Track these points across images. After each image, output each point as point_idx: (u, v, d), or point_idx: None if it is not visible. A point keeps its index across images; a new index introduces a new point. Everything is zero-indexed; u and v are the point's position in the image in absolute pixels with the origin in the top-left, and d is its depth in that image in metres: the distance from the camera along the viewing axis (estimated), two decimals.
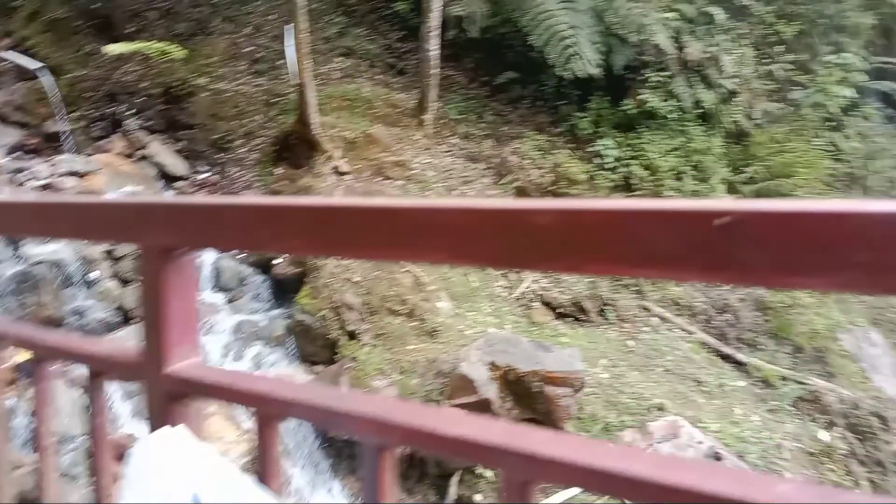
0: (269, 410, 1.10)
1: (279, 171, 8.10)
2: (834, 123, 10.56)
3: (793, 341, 7.71)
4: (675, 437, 6.41)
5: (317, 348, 6.84)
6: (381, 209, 0.89)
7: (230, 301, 7.17)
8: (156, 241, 1.14)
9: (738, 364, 7.63)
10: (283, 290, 7.20)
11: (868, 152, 10.64)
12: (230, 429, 6.08)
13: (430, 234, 0.84)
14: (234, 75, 9.58)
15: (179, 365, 1.17)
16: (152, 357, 1.17)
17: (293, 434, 6.24)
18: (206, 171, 8.54)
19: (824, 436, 6.89)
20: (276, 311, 7.22)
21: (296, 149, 8.01)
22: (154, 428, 1.16)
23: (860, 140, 10.72)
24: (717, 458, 6.16)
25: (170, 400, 1.18)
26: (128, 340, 5.47)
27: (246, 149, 8.75)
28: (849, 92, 10.36)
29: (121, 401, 5.99)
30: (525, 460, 0.84)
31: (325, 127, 8.15)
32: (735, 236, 0.64)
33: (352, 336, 6.77)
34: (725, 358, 7.70)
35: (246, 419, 6.22)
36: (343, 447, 6.43)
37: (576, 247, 0.74)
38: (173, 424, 1.13)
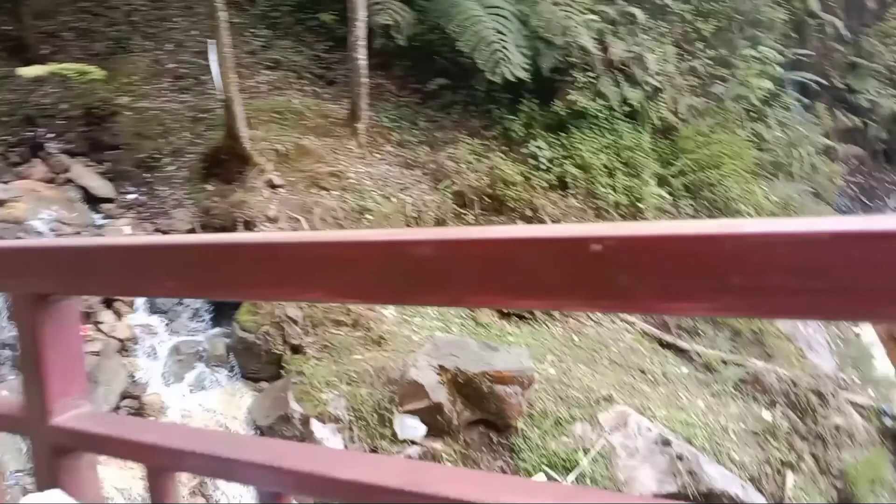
0: (160, 462, 1.03)
1: (210, 187, 7.91)
2: (756, 115, 10.96)
3: (731, 326, 7.92)
4: (624, 427, 6.49)
5: (261, 365, 6.68)
6: (256, 245, 0.84)
7: (167, 323, 6.94)
8: (27, 287, 1.06)
9: (681, 351, 7.79)
10: (222, 308, 7.01)
11: (790, 140, 11.07)
12: None
13: (310, 270, 0.79)
14: (158, 93, 9.34)
15: (65, 416, 1.09)
16: (33, 409, 1.10)
17: None
18: (134, 192, 8.27)
19: (767, 415, 7.09)
20: (216, 330, 7.03)
21: (226, 164, 7.84)
22: (41, 484, 1.09)
23: (782, 129, 11.15)
24: (666, 443, 6.26)
25: (56, 454, 1.09)
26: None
27: (174, 167, 8.52)
28: (768, 84, 10.77)
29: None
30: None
31: (255, 140, 8.01)
32: (612, 263, 0.62)
33: (296, 350, 6.64)
34: (668, 346, 7.86)
35: None
36: None
37: (457, 278, 0.71)
38: (60, 480, 1.06)
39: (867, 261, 0.52)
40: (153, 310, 6.96)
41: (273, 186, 7.67)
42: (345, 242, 0.78)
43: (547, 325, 7.90)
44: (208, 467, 1.03)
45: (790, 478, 6.68)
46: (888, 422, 7.62)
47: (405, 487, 0.80)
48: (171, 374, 6.56)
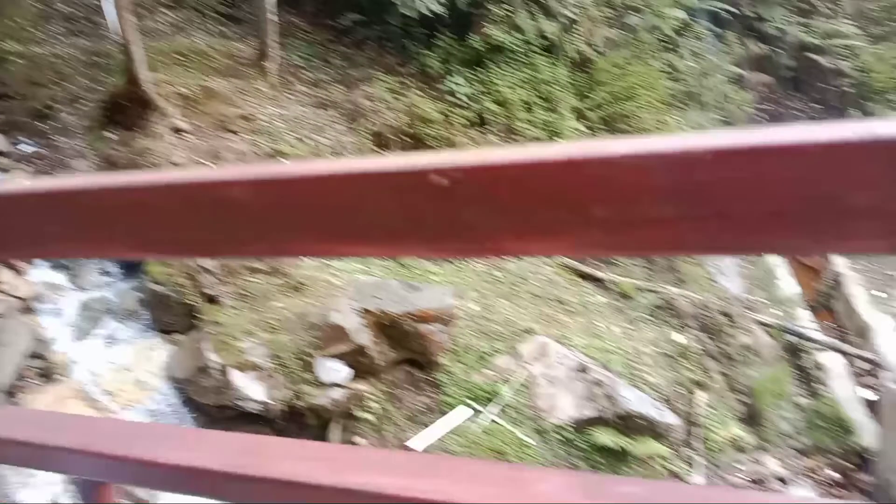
0: None
1: (112, 135, 7.53)
2: (669, 45, 11.05)
3: None
4: (544, 357, 6.67)
5: (174, 317, 6.52)
6: (45, 194, 0.72)
7: (72, 278, 6.67)
8: None
9: (598, 281, 7.99)
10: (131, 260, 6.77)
11: (702, 70, 11.25)
12: (88, 412, 5.74)
13: (106, 221, 0.69)
14: (50, 38, 8.75)
15: None
16: None
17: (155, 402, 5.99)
18: (30, 144, 7.80)
19: (679, 338, 7.39)
20: (126, 284, 6.80)
21: (128, 110, 7.46)
22: None
23: (694, 59, 11.31)
24: (584, 370, 6.47)
25: None
26: None
27: (73, 115, 8.06)
28: (681, 14, 10.85)
29: None
30: (267, 487, 0.75)
31: (157, 84, 7.63)
32: (458, 198, 0.54)
33: (211, 300, 6.50)
34: (585, 277, 8.04)
35: (107, 399, 5.89)
36: (216, 411, 6.24)
37: (279, 224, 0.63)
38: None
39: (754, 181, 0.47)
40: (56, 265, 6.67)
41: (178, 131, 7.36)
42: (141, 187, 0.67)
43: (469, 263, 7.96)
44: (14, 455, 0.94)
45: (701, 396, 7.03)
46: (791, 338, 8.06)
47: (236, 470, 0.74)
48: (79, 330, 6.34)
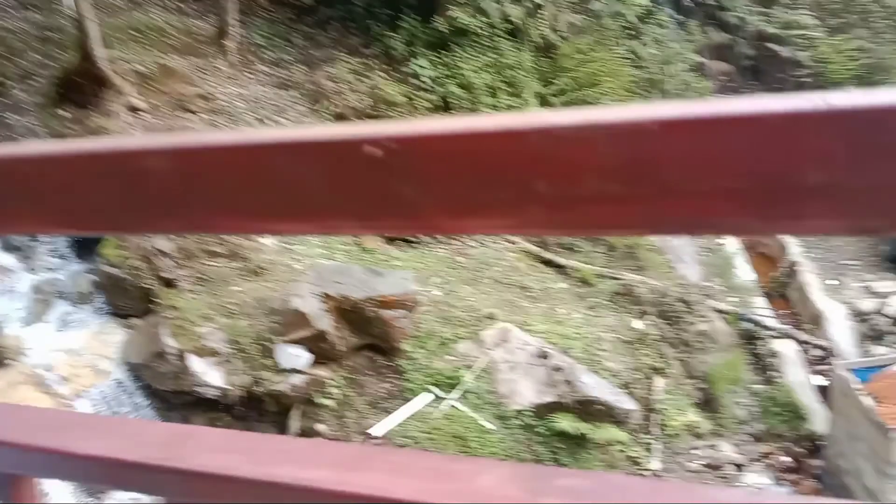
0: None
1: (65, 113, 7.28)
2: (633, 32, 11.10)
3: (606, 241, 8.20)
4: (505, 343, 6.69)
5: (130, 301, 6.38)
6: None
7: (23, 260, 6.46)
8: None
9: (559, 268, 8.04)
10: (85, 242, 6.57)
11: (664, 58, 11.32)
12: (41, 397, 5.59)
13: (11, 193, 0.63)
14: (0, 11, 8.40)
15: None
16: None
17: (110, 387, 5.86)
18: None
19: (638, 324, 7.48)
20: (79, 266, 6.62)
21: (82, 87, 7.22)
22: None
23: (657, 47, 11.38)
24: (545, 356, 6.52)
25: None
26: None
27: (25, 92, 7.78)
28: (644, 0, 10.90)
29: None
30: (184, 480, 0.70)
31: (112, 61, 7.39)
32: (393, 171, 0.50)
33: (169, 284, 6.37)
34: (547, 263, 8.08)
35: (59, 384, 5.74)
36: (172, 397, 6.13)
37: (198, 198, 0.57)
38: None
39: (704, 155, 0.43)
40: (6, 247, 6.45)
41: (135, 110, 7.16)
42: (45, 156, 0.62)
43: (432, 249, 7.93)
44: None
45: (659, 382, 7.14)
46: (746, 325, 8.23)
47: (155, 461, 0.69)
48: (31, 314, 6.17)
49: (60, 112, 7.35)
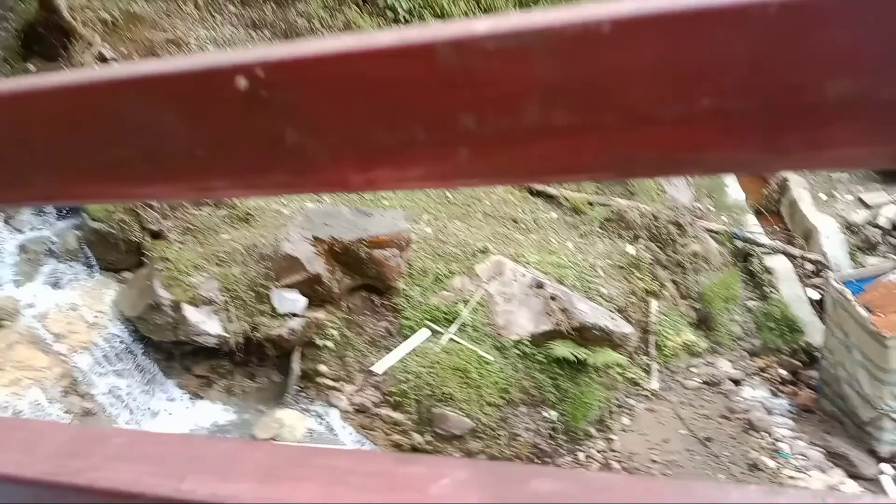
0: None
1: (31, 66, 7.05)
2: None
3: None
4: (500, 275, 6.68)
5: (119, 255, 6.30)
6: None
7: (6, 220, 6.35)
8: None
9: (549, 197, 7.98)
10: None
11: None
12: (39, 356, 5.56)
13: None
14: None
15: None
16: None
17: (107, 342, 5.83)
18: None
19: (631, 249, 7.47)
20: (64, 223, 6.51)
21: (47, 39, 6.97)
22: None
23: None
24: (540, 286, 6.51)
25: None
26: None
27: None
28: None
29: None
30: (81, 500, 0.58)
31: (75, 10, 7.11)
32: (279, 111, 0.38)
33: (156, 235, 6.28)
34: (537, 194, 8.02)
35: (56, 341, 5.70)
36: (172, 348, 6.12)
37: (34, 160, 0.45)
38: None
39: (681, 64, 0.32)
40: None
41: (104, 60, 6.92)
42: None
43: None
44: None
45: (654, 304, 7.18)
46: (739, 244, 8.24)
47: (55, 478, 0.57)
48: (21, 274, 6.09)
49: (28, 66, 7.12)
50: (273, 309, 6.09)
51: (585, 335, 6.33)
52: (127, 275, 6.32)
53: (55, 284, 6.13)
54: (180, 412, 5.96)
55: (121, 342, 5.89)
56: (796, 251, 8.26)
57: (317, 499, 0.54)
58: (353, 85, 0.37)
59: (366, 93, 0.36)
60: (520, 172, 0.39)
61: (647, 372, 6.84)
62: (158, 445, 0.63)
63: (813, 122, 0.32)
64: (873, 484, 5.98)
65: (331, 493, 0.54)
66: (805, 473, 6.05)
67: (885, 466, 6.10)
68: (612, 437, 6.33)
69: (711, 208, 8.64)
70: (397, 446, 5.87)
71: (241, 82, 0.38)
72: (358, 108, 0.37)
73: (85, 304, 5.99)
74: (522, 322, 6.41)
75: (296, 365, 6.14)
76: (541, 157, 0.36)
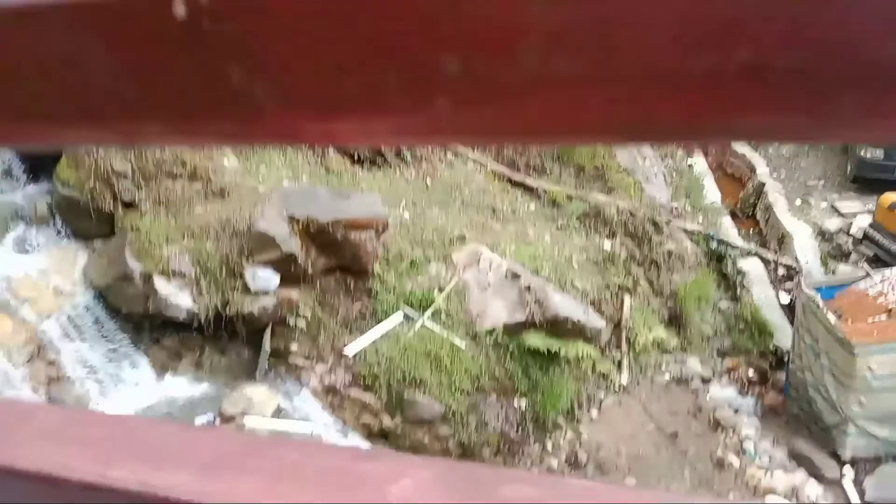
0: None
1: None
2: None
3: (575, 163, 8.14)
4: (476, 264, 6.66)
5: (91, 223, 6.18)
6: None
7: None
8: None
9: (529, 189, 7.97)
10: (39, 163, 6.30)
11: None
12: (4, 320, 5.43)
13: None
14: None
15: None
16: None
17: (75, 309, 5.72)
18: None
19: (607, 245, 7.50)
20: (34, 188, 6.38)
21: None
22: None
23: None
24: (515, 276, 6.51)
25: None
26: None
27: None
28: None
29: None
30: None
31: None
32: (213, 44, 0.32)
33: (129, 205, 6.17)
34: (517, 185, 8.01)
35: (23, 307, 5.58)
36: (141, 319, 6.02)
37: None
38: None
39: (713, 6, 0.26)
40: None
41: None
42: None
43: (400, 171, 7.79)
44: None
45: (627, 300, 7.21)
46: (714, 245, 8.31)
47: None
48: None
49: None
50: (245, 285, 6.01)
51: (558, 327, 6.34)
52: (98, 243, 6.20)
53: (23, 249, 6.00)
54: (148, 384, 5.87)
55: (88, 310, 5.78)
56: (770, 255, 8.35)
57: (257, 497, 0.47)
58: (311, 17, 0.30)
59: (327, 27, 0.30)
60: (510, 131, 0.32)
61: (618, 366, 6.87)
62: (91, 426, 0.56)
63: (873, 87, 0.26)
64: (835, 486, 6.06)
65: (274, 490, 0.47)
66: (769, 473, 6.11)
67: (847, 470, 6.18)
68: (581, 428, 6.36)
69: (688, 208, 8.70)
70: (366, 427, 5.83)
71: (180, 9, 0.31)
72: (317, 45, 0.31)
73: (54, 271, 5.87)
74: (497, 311, 6.40)
75: (267, 342, 6.07)
76: (537, 113, 0.30)
